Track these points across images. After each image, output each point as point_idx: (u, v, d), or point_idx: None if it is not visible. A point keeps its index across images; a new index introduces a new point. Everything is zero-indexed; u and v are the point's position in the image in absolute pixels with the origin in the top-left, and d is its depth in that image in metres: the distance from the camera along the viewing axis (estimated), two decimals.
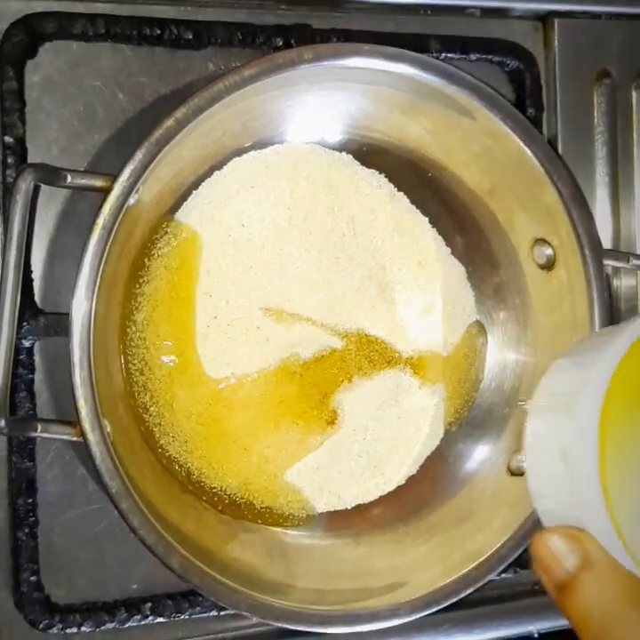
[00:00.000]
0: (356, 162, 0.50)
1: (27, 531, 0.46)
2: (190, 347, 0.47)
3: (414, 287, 0.52)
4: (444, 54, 0.52)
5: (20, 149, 0.45)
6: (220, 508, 0.48)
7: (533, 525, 0.44)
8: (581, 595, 0.25)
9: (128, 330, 0.46)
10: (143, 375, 0.46)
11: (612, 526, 0.25)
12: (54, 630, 0.46)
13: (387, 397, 0.51)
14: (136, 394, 0.47)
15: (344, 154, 0.50)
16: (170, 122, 0.40)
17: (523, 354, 0.52)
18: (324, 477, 0.50)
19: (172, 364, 0.47)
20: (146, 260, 0.47)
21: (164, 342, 0.47)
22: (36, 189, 0.40)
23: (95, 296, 0.39)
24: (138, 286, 0.46)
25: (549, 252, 0.49)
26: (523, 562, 0.49)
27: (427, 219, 0.52)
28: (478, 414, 0.53)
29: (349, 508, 0.51)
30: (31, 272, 0.46)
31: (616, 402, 0.25)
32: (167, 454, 0.47)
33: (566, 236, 0.47)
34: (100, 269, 0.39)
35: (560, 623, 0.52)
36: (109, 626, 0.46)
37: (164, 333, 0.47)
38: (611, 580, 0.25)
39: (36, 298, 0.46)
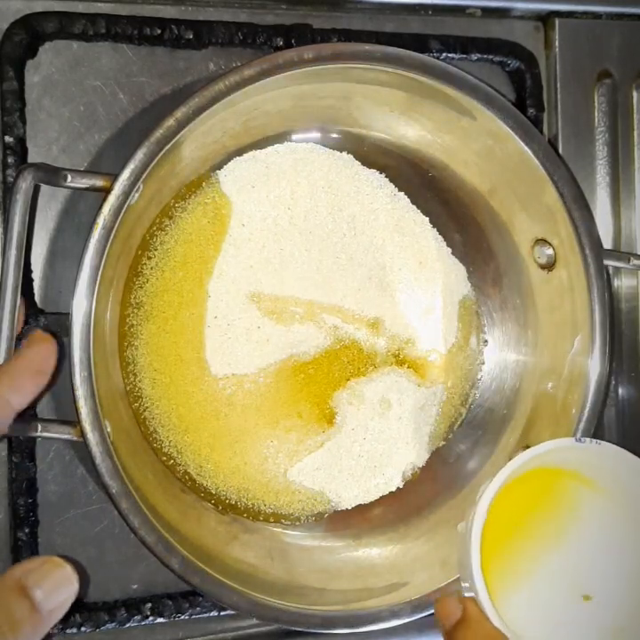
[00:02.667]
0: (357, 162, 0.50)
1: (27, 530, 0.46)
2: (191, 347, 0.47)
3: (415, 287, 0.52)
4: (444, 54, 0.52)
5: (21, 149, 0.45)
6: (220, 508, 0.48)
7: None
8: (456, 635, 0.37)
9: (128, 330, 0.46)
10: (143, 375, 0.46)
11: (488, 599, 0.36)
12: (54, 630, 0.46)
13: (387, 397, 0.51)
14: (136, 394, 0.47)
15: (344, 154, 0.50)
16: (170, 122, 0.40)
17: (523, 354, 0.52)
18: (325, 477, 0.50)
19: (172, 364, 0.47)
20: (146, 259, 0.47)
21: (164, 343, 0.47)
22: (37, 189, 0.40)
23: (95, 296, 0.39)
24: (138, 286, 0.46)
25: (550, 251, 0.49)
26: None
27: (427, 219, 0.52)
28: (479, 414, 0.53)
29: (350, 508, 0.51)
30: (31, 272, 0.46)
31: (494, 524, 0.37)
32: (167, 454, 0.47)
33: (567, 236, 0.47)
34: (101, 269, 0.39)
35: None
36: (109, 626, 0.46)
37: (165, 333, 0.47)
38: (477, 631, 0.36)
39: (37, 298, 0.46)
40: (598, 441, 0.38)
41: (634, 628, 0.38)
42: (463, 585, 0.39)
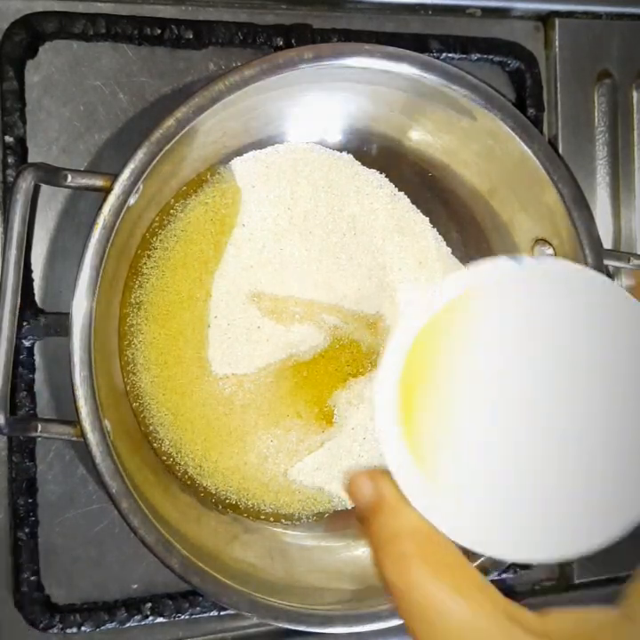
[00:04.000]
0: (357, 162, 0.50)
1: (27, 530, 0.46)
2: (190, 346, 0.47)
3: (414, 287, 0.52)
4: (444, 54, 0.52)
5: (21, 149, 0.45)
6: (220, 507, 0.48)
7: None
8: (371, 526, 0.30)
9: (128, 329, 0.46)
10: (143, 375, 0.46)
11: (403, 467, 0.29)
12: (54, 630, 0.46)
13: None
14: (136, 393, 0.47)
15: (344, 154, 0.50)
16: (170, 121, 0.40)
17: None
18: (325, 477, 0.50)
19: (172, 364, 0.47)
20: (146, 258, 0.47)
21: (164, 342, 0.47)
22: (37, 189, 0.40)
23: (96, 296, 0.39)
24: (138, 285, 0.46)
25: (550, 251, 0.49)
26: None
27: (427, 219, 0.52)
28: None
29: (350, 508, 0.51)
30: (31, 272, 0.46)
31: (416, 362, 0.30)
32: (167, 454, 0.47)
33: (567, 236, 0.47)
34: (101, 269, 0.39)
35: None
36: (109, 626, 0.46)
37: (165, 333, 0.47)
38: (392, 518, 0.29)
39: (37, 297, 0.46)
40: (540, 258, 0.32)
41: (585, 497, 0.31)
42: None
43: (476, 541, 0.29)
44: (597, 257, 0.46)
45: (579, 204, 0.46)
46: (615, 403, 0.32)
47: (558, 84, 0.54)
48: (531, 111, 0.53)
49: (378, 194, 0.51)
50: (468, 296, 0.32)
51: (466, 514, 0.30)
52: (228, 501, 0.48)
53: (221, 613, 0.48)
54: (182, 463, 0.47)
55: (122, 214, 0.40)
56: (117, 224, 0.40)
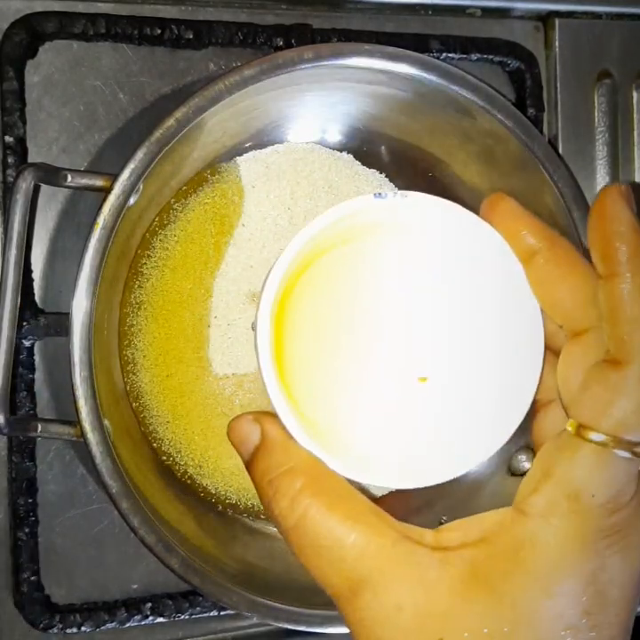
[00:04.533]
0: (357, 162, 0.50)
1: (27, 530, 0.46)
2: (190, 346, 0.47)
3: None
4: (444, 54, 0.52)
5: (21, 149, 0.45)
6: (220, 507, 0.48)
7: None
8: (258, 465, 0.30)
9: (128, 329, 0.46)
10: (143, 375, 0.46)
11: (287, 406, 0.29)
12: (54, 630, 0.46)
13: None
14: (136, 393, 0.47)
15: (344, 154, 0.50)
16: (170, 121, 0.40)
17: None
18: None
19: (172, 364, 0.47)
20: (146, 258, 0.47)
21: (164, 342, 0.47)
22: (37, 189, 0.40)
23: (95, 296, 0.39)
24: (138, 285, 0.46)
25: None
26: None
27: None
28: None
29: None
30: (31, 272, 0.46)
31: (289, 302, 0.30)
32: (167, 454, 0.47)
33: (567, 236, 0.47)
34: (101, 269, 0.39)
35: None
36: (109, 626, 0.46)
37: (165, 333, 0.47)
38: (281, 456, 0.29)
39: (37, 297, 0.46)
40: (404, 192, 0.31)
41: (466, 421, 0.32)
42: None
43: (363, 473, 0.30)
44: None
45: (579, 203, 0.46)
46: (476, 329, 0.32)
47: (558, 84, 0.54)
48: (531, 111, 0.53)
49: None
50: (332, 234, 0.31)
51: (350, 449, 0.30)
52: (227, 501, 0.48)
53: (221, 613, 0.48)
54: (182, 463, 0.47)
55: (122, 214, 0.40)
56: (117, 224, 0.39)
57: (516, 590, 0.27)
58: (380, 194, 0.30)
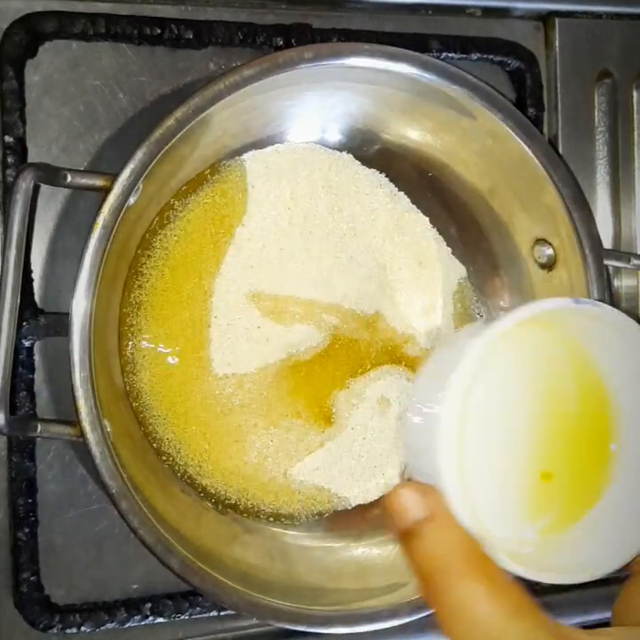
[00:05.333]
0: (357, 161, 0.50)
1: (27, 530, 0.46)
2: (190, 347, 0.47)
3: (415, 287, 0.52)
4: (444, 54, 0.52)
5: (21, 149, 0.45)
6: (219, 507, 0.48)
7: None
8: (422, 542, 0.29)
9: (128, 329, 0.46)
10: (143, 375, 0.46)
11: (461, 491, 0.29)
12: (54, 630, 0.46)
13: (386, 396, 0.51)
14: (136, 393, 0.47)
15: (344, 153, 0.50)
16: (170, 121, 0.40)
17: None
18: (325, 477, 0.50)
19: (172, 363, 0.47)
20: (145, 258, 0.47)
21: (163, 342, 0.47)
22: (37, 189, 0.40)
23: (95, 295, 0.39)
24: (138, 285, 0.46)
25: (550, 251, 0.49)
26: None
27: (427, 218, 0.52)
28: None
29: (350, 508, 0.51)
30: (31, 272, 0.46)
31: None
32: (167, 454, 0.47)
33: (567, 236, 0.47)
34: (101, 269, 0.39)
35: (560, 621, 0.52)
36: (109, 626, 0.46)
37: (164, 333, 0.47)
38: (447, 533, 0.29)
39: (36, 297, 0.46)
40: (597, 303, 0.31)
41: (598, 525, 0.32)
42: (413, 476, 0.32)
43: (525, 568, 0.30)
44: (597, 257, 0.46)
45: (579, 203, 0.46)
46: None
47: (558, 84, 0.54)
48: (531, 111, 0.53)
49: (378, 194, 0.51)
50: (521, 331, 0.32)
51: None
52: (227, 501, 0.48)
53: (221, 613, 0.48)
54: (182, 463, 0.47)
55: (121, 214, 0.40)
56: (117, 224, 0.39)
57: None
58: (579, 301, 0.31)
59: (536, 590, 0.54)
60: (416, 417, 0.32)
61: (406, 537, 0.30)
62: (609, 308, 0.31)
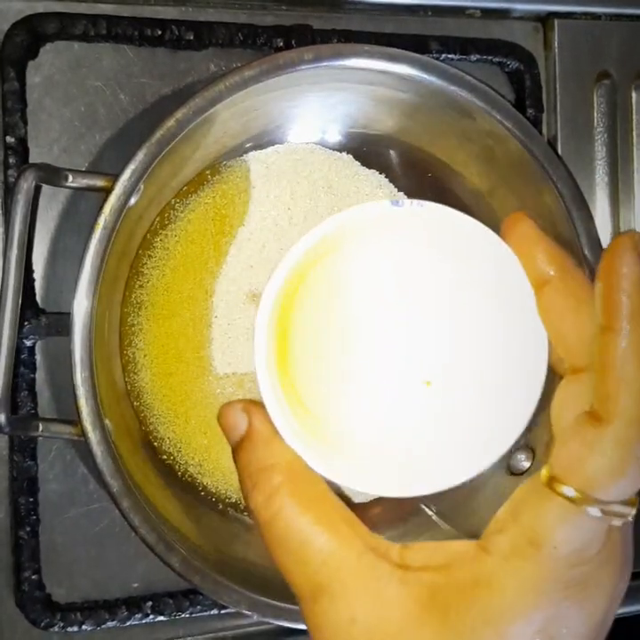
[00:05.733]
0: (357, 162, 0.51)
1: (28, 529, 0.46)
2: (191, 346, 0.47)
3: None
4: (444, 55, 0.52)
5: (22, 149, 0.45)
6: (220, 506, 0.48)
7: None
8: (241, 456, 0.30)
9: (129, 329, 0.46)
10: (144, 374, 0.47)
11: (277, 402, 0.29)
12: (55, 629, 0.46)
13: None
14: (136, 392, 0.47)
15: (344, 154, 0.50)
16: (171, 122, 0.40)
17: None
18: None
19: (172, 363, 0.47)
20: (146, 258, 0.47)
21: (164, 342, 0.47)
22: (38, 189, 0.40)
23: (96, 295, 0.39)
24: (139, 285, 0.47)
25: None
26: None
27: None
28: None
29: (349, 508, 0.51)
30: (33, 272, 0.46)
31: (290, 302, 0.31)
32: (168, 453, 0.47)
33: (566, 236, 0.47)
34: (102, 269, 0.39)
35: None
36: (110, 624, 0.46)
37: (165, 333, 0.47)
38: (264, 450, 0.29)
39: (38, 297, 0.46)
40: (420, 202, 0.30)
41: (466, 428, 0.32)
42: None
43: (347, 479, 0.30)
44: (597, 257, 0.46)
45: (578, 204, 0.46)
46: (481, 339, 0.32)
47: (557, 85, 0.54)
48: (530, 112, 0.53)
49: (378, 194, 0.51)
50: (342, 235, 0.31)
51: (349, 451, 0.30)
52: (228, 500, 0.48)
53: (222, 612, 0.48)
54: (183, 462, 0.48)
55: (122, 214, 0.40)
56: (118, 224, 0.40)
57: (467, 624, 0.27)
58: (397, 201, 0.30)
59: None
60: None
61: (234, 451, 0.31)
62: (431, 203, 0.30)
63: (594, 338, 0.28)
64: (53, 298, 0.47)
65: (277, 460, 0.29)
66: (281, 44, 0.49)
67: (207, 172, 0.48)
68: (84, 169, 0.47)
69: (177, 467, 0.48)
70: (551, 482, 0.28)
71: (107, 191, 0.40)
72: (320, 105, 0.48)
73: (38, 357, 0.46)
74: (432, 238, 0.32)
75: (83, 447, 0.40)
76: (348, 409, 0.32)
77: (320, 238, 0.30)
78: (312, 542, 0.28)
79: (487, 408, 0.32)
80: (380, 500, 0.51)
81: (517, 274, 0.30)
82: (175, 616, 0.48)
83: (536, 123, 0.53)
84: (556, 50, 0.54)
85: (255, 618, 0.44)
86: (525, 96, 0.54)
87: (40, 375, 0.47)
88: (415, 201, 0.30)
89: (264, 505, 0.29)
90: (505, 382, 0.31)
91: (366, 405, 0.33)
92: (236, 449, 0.31)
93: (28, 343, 0.46)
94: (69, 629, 0.46)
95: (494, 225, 0.51)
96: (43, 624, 0.46)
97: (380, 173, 0.51)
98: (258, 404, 0.30)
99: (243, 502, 0.49)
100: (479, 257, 0.32)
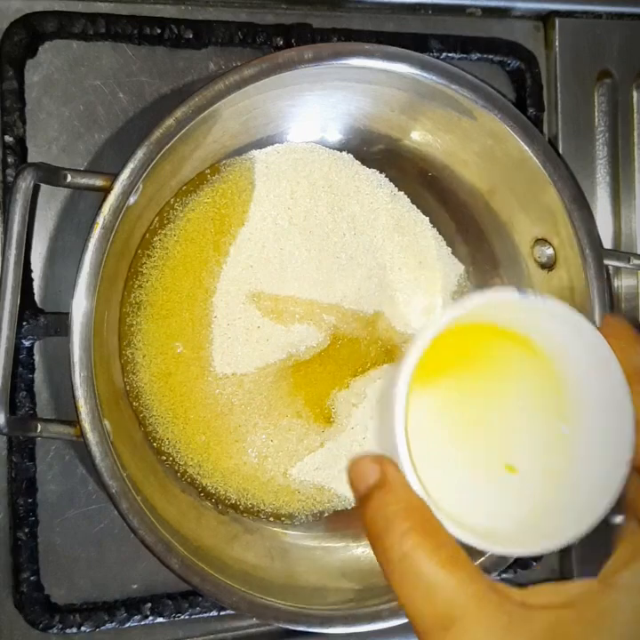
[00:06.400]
0: (357, 161, 0.50)
1: (27, 530, 0.46)
2: (190, 346, 0.47)
3: (414, 287, 0.52)
4: (444, 54, 0.52)
5: (21, 149, 0.45)
6: (220, 507, 0.48)
7: None
8: (371, 504, 0.32)
9: (128, 329, 0.46)
10: (143, 374, 0.46)
11: (409, 462, 0.32)
12: (54, 630, 0.46)
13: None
14: (136, 393, 0.47)
15: (344, 153, 0.50)
16: (170, 121, 0.40)
17: None
18: (325, 477, 0.50)
19: (172, 363, 0.47)
20: (145, 258, 0.47)
21: (163, 342, 0.47)
22: (36, 189, 0.40)
23: (95, 295, 0.39)
24: (138, 285, 0.46)
25: (550, 251, 0.49)
26: (523, 562, 0.49)
27: (427, 218, 0.52)
28: None
29: (350, 508, 0.51)
30: (31, 271, 0.46)
31: (420, 379, 0.33)
32: (167, 454, 0.47)
33: (567, 236, 0.47)
34: (101, 269, 0.39)
35: None
36: (109, 626, 0.46)
37: (164, 333, 0.47)
38: (395, 495, 0.31)
39: (36, 297, 0.46)
40: (544, 296, 0.33)
41: (559, 505, 0.35)
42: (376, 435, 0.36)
43: (463, 532, 0.32)
44: (597, 257, 0.46)
45: (579, 203, 0.46)
46: (577, 423, 0.35)
47: (558, 84, 0.54)
48: (531, 111, 0.53)
49: (378, 194, 0.51)
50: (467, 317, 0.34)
51: (456, 511, 0.33)
52: (227, 501, 0.48)
53: (221, 613, 0.48)
54: (182, 463, 0.47)
55: (122, 214, 0.40)
56: (117, 224, 0.40)
57: None
58: (523, 291, 0.33)
59: None
60: (381, 398, 0.35)
61: (361, 502, 0.33)
62: (552, 300, 0.33)
63: None
64: (52, 298, 0.47)
65: (409, 503, 0.32)
66: (281, 42, 0.49)
67: (207, 171, 0.48)
68: (82, 168, 0.47)
69: (176, 467, 0.47)
70: None
71: (106, 190, 0.40)
72: (320, 104, 0.48)
73: (37, 357, 0.46)
74: (539, 327, 0.35)
75: (81, 448, 0.40)
76: (459, 495, 0.35)
77: (451, 321, 0.32)
78: (444, 580, 0.30)
79: (576, 485, 0.34)
80: None
81: (613, 366, 0.33)
82: (174, 617, 0.47)
83: (537, 122, 0.53)
84: (557, 49, 0.54)
85: (254, 619, 0.43)
86: (526, 95, 0.53)
87: (39, 375, 0.46)
88: (540, 295, 0.33)
89: (397, 544, 0.31)
90: (593, 462, 0.34)
91: (474, 491, 0.36)
92: (366, 496, 0.32)
93: (27, 343, 0.46)
94: (68, 631, 0.46)
95: (495, 224, 0.51)
96: (41, 625, 0.46)
97: (380, 173, 0.51)
98: (386, 457, 0.33)
99: (242, 503, 0.49)
100: (581, 350, 0.34)
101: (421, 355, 0.32)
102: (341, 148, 0.50)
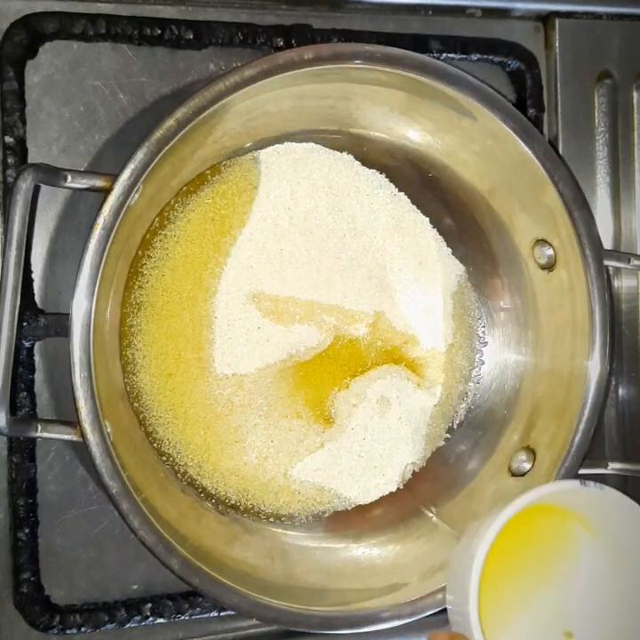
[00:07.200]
0: (357, 162, 0.50)
1: (27, 531, 0.46)
2: (190, 347, 0.47)
3: (415, 287, 0.52)
4: (444, 54, 0.52)
5: (21, 149, 0.45)
6: (220, 508, 0.48)
7: None
8: None
9: (128, 330, 0.46)
10: (143, 375, 0.46)
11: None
12: (54, 631, 0.46)
13: (386, 397, 0.51)
14: (136, 394, 0.47)
15: (344, 154, 0.50)
16: (170, 122, 0.40)
17: (523, 354, 0.52)
18: (325, 478, 0.50)
19: (172, 364, 0.47)
20: (146, 259, 0.47)
21: (164, 343, 0.47)
22: (37, 189, 0.40)
23: (95, 296, 0.39)
24: (138, 285, 0.46)
25: (550, 252, 0.49)
26: None
27: (427, 219, 0.52)
28: (479, 415, 0.53)
29: (350, 508, 0.51)
30: (31, 272, 0.46)
31: (492, 565, 0.37)
32: (167, 454, 0.47)
33: (567, 237, 0.47)
34: (101, 269, 0.39)
35: None
36: (109, 626, 0.46)
37: (165, 334, 0.47)
38: None
39: (37, 298, 0.46)
40: (602, 486, 0.38)
41: None
42: (448, 607, 0.40)
43: None
44: (597, 257, 0.46)
45: (579, 203, 0.46)
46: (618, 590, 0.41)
47: (558, 85, 0.54)
48: (531, 111, 0.53)
49: (378, 194, 0.51)
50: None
51: None
52: (227, 502, 0.48)
53: (221, 614, 0.48)
54: (182, 463, 0.47)
55: (122, 215, 0.40)
56: (117, 224, 0.40)
57: None
58: (584, 482, 0.38)
59: None
60: (451, 605, 0.40)
61: None
62: (610, 489, 0.38)
63: None
64: (52, 298, 0.47)
65: None
66: (281, 43, 0.49)
67: (207, 172, 0.48)
68: (83, 169, 0.47)
69: (176, 468, 0.47)
70: None
71: (106, 191, 0.40)
72: (320, 104, 0.48)
73: (37, 358, 0.46)
74: (604, 520, 0.40)
75: (82, 448, 0.40)
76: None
77: (521, 509, 0.37)
78: None
79: None
80: (380, 502, 0.51)
81: None
82: (175, 618, 0.47)
83: (537, 122, 0.53)
84: (557, 49, 0.54)
85: (254, 620, 0.43)
86: (526, 96, 0.53)
87: (39, 376, 0.46)
88: (598, 484, 0.38)
89: None
90: None
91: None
92: None
93: (27, 344, 0.46)
94: (68, 631, 0.46)
95: (495, 224, 0.51)
96: (41, 626, 0.46)
97: (380, 173, 0.51)
98: (460, 636, 0.37)
99: (242, 503, 0.49)
100: (630, 531, 0.39)
101: (499, 531, 0.36)
102: (341, 148, 0.50)
